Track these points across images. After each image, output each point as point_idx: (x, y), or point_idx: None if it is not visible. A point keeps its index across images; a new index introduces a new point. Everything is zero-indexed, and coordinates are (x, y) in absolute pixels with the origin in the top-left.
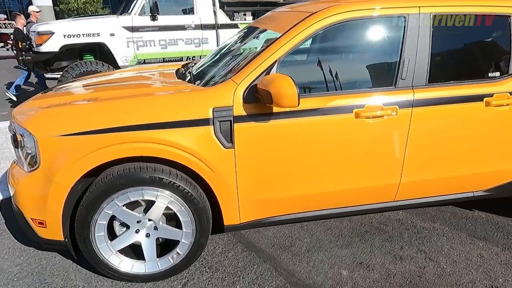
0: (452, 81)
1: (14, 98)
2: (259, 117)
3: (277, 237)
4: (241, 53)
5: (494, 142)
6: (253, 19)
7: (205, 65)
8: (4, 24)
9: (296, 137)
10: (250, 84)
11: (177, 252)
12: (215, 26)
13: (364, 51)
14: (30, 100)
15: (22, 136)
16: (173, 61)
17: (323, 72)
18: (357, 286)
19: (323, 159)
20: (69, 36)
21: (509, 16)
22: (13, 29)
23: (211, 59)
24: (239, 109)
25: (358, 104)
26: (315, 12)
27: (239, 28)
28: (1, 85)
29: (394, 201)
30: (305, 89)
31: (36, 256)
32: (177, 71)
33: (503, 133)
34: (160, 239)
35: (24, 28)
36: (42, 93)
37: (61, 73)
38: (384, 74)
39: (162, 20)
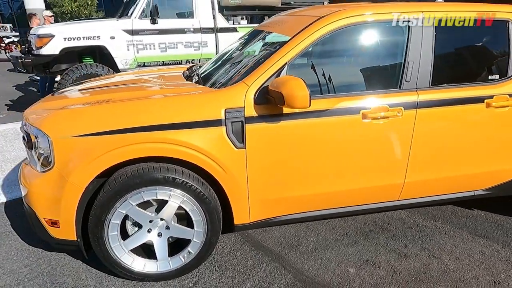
0: (454, 84)
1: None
2: (269, 118)
3: (283, 236)
4: (250, 56)
5: (494, 143)
6: (247, 23)
7: (213, 68)
8: None
9: (304, 138)
10: (261, 86)
11: (189, 251)
12: (214, 30)
13: (369, 54)
14: (41, 102)
15: (36, 137)
16: (172, 64)
17: (330, 75)
18: (365, 283)
19: (331, 159)
20: (70, 39)
21: (507, 21)
22: (29, 29)
23: (219, 62)
24: (250, 110)
25: (365, 105)
26: (323, 16)
27: (238, 32)
28: None
29: (398, 200)
30: (313, 90)
31: (45, 257)
32: (184, 73)
33: (503, 134)
34: (170, 239)
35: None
36: (51, 95)
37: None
38: (389, 77)
39: (162, 23)
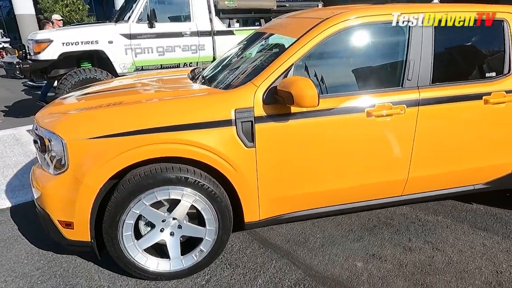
0: (453, 81)
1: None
2: (277, 117)
3: (290, 234)
4: (256, 57)
5: (492, 138)
6: (240, 26)
7: (219, 69)
8: None
9: (312, 136)
10: (269, 86)
11: (201, 250)
12: (211, 33)
13: (372, 54)
14: (50, 106)
15: (50, 141)
16: (170, 67)
17: (335, 74)
18: (373, 276)
19: (337, 156)
20: (68, 44)
21: (503, 21)
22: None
23: (224, 63)
24: (259, 110)
25: (369, 104)
26: (327, 18)
27: (234, 34)
28: None
29: (401, 195)
30: (320, 90)
31: (56, 259)
32: (189, 75)
33: (501, 129)
34: (181, 238)
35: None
36: (60, 99)
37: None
38: (392, 75)
39: (160, 27)
